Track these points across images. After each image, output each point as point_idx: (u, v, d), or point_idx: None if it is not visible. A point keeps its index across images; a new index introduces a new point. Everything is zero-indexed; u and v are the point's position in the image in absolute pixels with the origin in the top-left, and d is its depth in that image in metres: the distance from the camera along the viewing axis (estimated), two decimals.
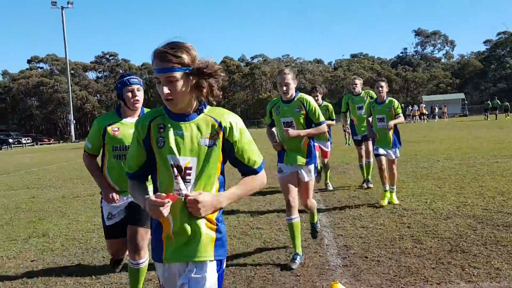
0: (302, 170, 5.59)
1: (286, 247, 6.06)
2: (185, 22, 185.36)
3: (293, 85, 5.57)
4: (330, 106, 10.06)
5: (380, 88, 8.55)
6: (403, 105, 68.32)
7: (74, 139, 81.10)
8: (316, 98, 9.69)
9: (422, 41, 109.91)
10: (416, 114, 59.60)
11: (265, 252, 5.92)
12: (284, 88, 5.52)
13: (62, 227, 8.18)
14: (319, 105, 9.30)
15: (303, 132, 5.52)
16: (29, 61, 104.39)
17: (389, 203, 8.30)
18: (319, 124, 5.57)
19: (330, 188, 10.35)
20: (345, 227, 6.87)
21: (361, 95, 10.49)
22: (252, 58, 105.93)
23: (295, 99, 5.62)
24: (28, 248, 6.90)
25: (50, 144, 75.67)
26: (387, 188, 8.42)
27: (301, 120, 5.58)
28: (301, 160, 5.56)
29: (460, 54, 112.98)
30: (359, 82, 10.68)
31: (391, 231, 6.47)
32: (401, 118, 8.47)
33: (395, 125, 8.41)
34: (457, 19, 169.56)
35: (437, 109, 62.18)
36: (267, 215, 8.09)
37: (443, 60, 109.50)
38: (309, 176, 5.60)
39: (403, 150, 18.05)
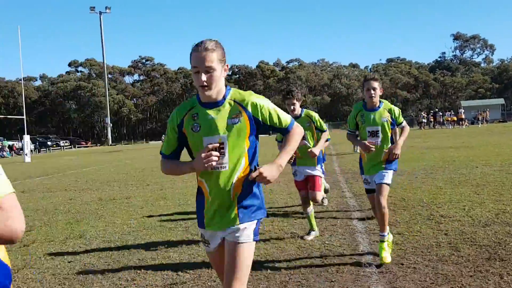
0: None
1: (321, 252, 6.02)
2: (221, 27, 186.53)
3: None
4: (316, 115, 7.07)
5: (372, 91, 5.86)
6: (437, 110, 67.35)
7: (110, 142, 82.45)
8: (293, 107, 6.85)
9: (461, 45, 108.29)
10: (454, 119, 58.55)
11: (299, 257, 5.89)
12: None
13: (98, 229, 8.30)
14: (296, 117, 6.76)
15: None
16: (69, 65, 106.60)
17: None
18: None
19: (310, 237, 6.78)
20: None
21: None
22: (288, 62, 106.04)
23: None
24: (65, 249, 7.02)
25: (87, 147, 77.16)
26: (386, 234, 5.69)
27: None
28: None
29: (500, 58, 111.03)
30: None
31: (427, 238, 6.37)
32: (407, 129, 6.06)
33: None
34: (497, 23, 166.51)
35: (486, 114, 60.77)
36: (301, 220, 8.05)
37: (482, 65, 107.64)
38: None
39: (441, 155, 17.89)
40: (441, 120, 60.40)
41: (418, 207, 8.46)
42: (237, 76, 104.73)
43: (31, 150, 46.85)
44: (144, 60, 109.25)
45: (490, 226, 6.76)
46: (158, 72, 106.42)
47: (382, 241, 5.61)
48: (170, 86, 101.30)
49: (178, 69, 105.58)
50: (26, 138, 38.94)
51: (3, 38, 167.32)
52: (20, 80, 62.86)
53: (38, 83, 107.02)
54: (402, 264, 5.38)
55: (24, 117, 42.40)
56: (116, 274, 5.64)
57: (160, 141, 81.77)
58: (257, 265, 5.64)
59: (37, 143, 65.59)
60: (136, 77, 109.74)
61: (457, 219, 7.36)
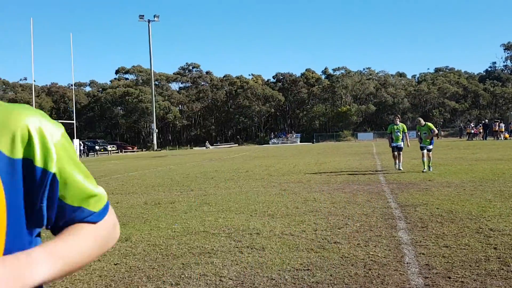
0: None
1: (366, 263, 5.94)
2: (268, 35, 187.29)
3: None
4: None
5: None
6: (486, 120, 65.71)
7: (156, 148, 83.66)
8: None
9: None
10: (503, 130, 57.25)
11: (343, 267, 5.83)
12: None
13: (144, 233, 8.41)
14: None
15: None
16: (117, 72, 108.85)
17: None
18: None
19: None
20: (428, 246, 6.66)
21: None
22: (334, 70, 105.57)
23: None
24: (112, 252, 7.13)
25: (133, 152, 78.38)
26: None
27: None
28: None
29: None
30: None
31: (476, 252, 6.21)
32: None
33: None
34: None
35: None
36: (345, 229, 7.97)
37: None
38: None
39: (490, 168, 17.49)
40: (508, 129, 58.85)
41: (467, 220, 8.27)
42: (281, 83, 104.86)
43: (80, 154, 47.92)
44: (191, 67, 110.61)
45: None
46: (204, 79, 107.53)
47: None
48: (215, 93, 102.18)
49: (224, 76, 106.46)
50: (76, 142, 39.89)
51: (56, 45, 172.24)
52: (71, 85, 64.48)
53: (87, 89, 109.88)
54: (450, 278, 5.26)
55: (74, 121, 43.43)
56: (161, 278, 5.70)
57: (204, 147, 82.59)
58: (299, 274, 5.61)
59: (86, 147, 67.07)
60: (181, 83, 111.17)
61: (507, 233, 7.16)
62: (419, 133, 17.95)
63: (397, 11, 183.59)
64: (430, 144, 17.45)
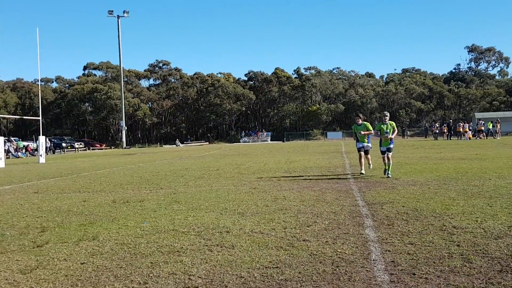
0: None
1: (333, 260, 6.02)
2: (239, 34, 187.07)
3: None
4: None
5: None
6: (451, 121, 66.81)
7: (125, 145, 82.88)
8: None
9: (476, 58, 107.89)
10: (467, 130, 58.35)
11: (311, 264, 5.90)
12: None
13: (112, 232, 8.36)
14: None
15: None
16: (85, 68, 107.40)
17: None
18: None
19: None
20: (393, 243, 6.78)
21: None
22: (306, 69, 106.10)
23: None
24: (78, 251, 7.07)
25: (101, 149, 77.52)
26: None
27: None
28: None
29: None
30: None
31: (440, 249, 6.36)
32: None
33: None
34: None
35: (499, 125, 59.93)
36: (314, 227, 8.06)
37: (497, 77, 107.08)
38: None
39: (454, 167, 17.84)
40: (472, 129, 59.95)
41: (431, 217, 8.44)
42: (253, 82, 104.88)
43: (46, 151, 47.20)
44: (161, 64, 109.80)
45: (503, 239, 6.73)
46: (174, 76, 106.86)
47: None
48: (185, 91, 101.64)
49: (194, 74, 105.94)
50: (42, 139, 39.24)
51: (22, 39, 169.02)
52: (37, 81, 63.27)
53: (54, 85, 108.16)
54: (414, 274, 5.37)
55: (40, 118, 42.70)
56: (129, 277, 5.69)
57: (174, 145, 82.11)
58: (268, 272, 5.67)
59: (52, 144, 66.03)
60: (152, 81, 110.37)
61: (470, 230, 7.34)
62: (379, 132, 15.92)
63: (367, 13, 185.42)
64: (390, 144, 15.67)
